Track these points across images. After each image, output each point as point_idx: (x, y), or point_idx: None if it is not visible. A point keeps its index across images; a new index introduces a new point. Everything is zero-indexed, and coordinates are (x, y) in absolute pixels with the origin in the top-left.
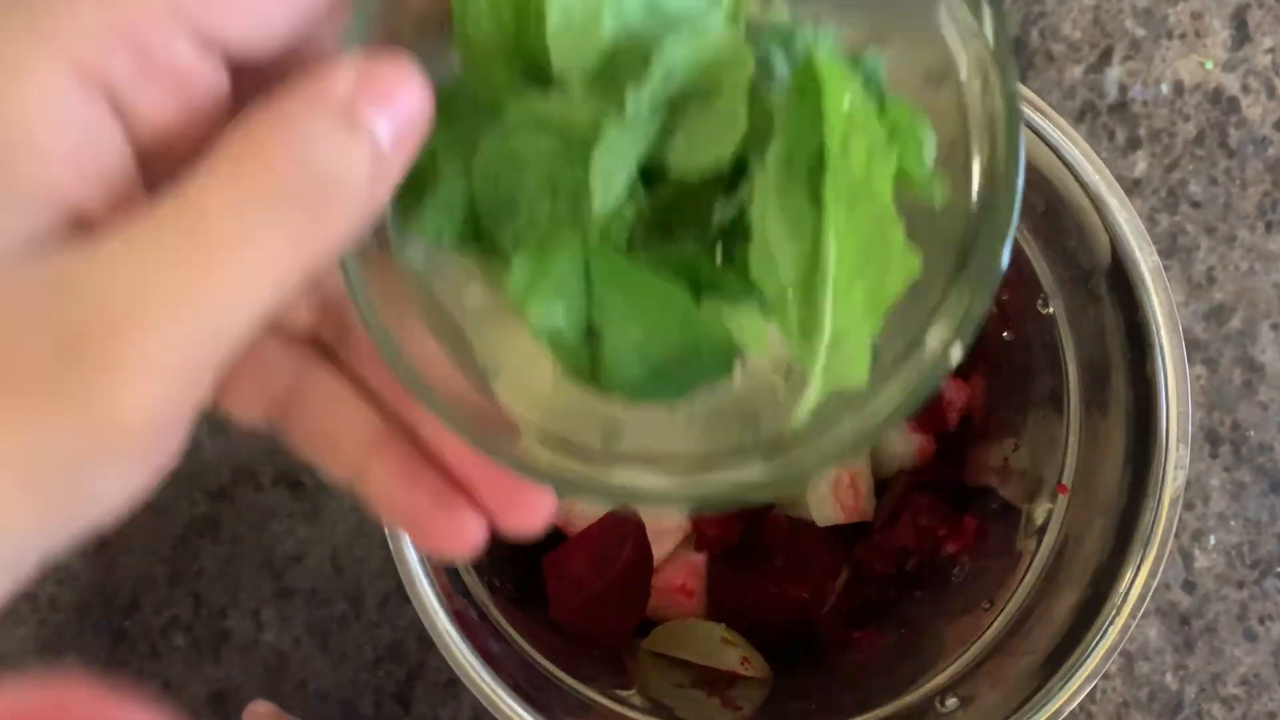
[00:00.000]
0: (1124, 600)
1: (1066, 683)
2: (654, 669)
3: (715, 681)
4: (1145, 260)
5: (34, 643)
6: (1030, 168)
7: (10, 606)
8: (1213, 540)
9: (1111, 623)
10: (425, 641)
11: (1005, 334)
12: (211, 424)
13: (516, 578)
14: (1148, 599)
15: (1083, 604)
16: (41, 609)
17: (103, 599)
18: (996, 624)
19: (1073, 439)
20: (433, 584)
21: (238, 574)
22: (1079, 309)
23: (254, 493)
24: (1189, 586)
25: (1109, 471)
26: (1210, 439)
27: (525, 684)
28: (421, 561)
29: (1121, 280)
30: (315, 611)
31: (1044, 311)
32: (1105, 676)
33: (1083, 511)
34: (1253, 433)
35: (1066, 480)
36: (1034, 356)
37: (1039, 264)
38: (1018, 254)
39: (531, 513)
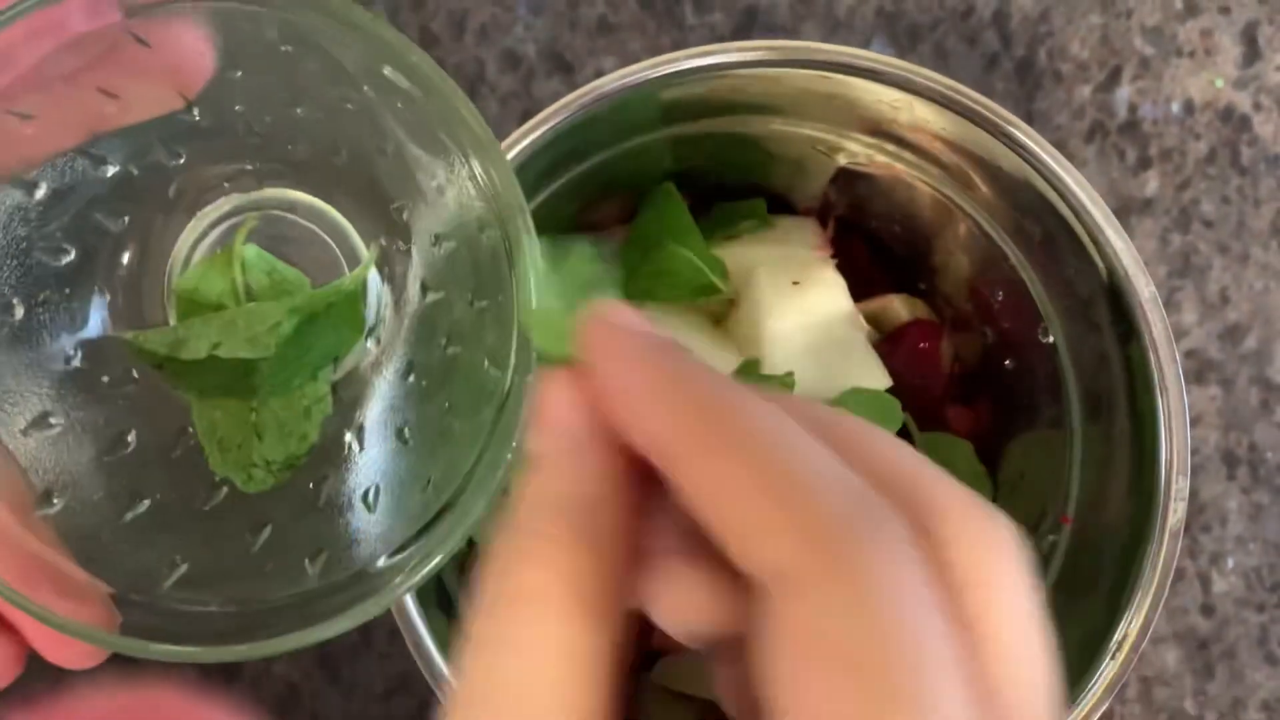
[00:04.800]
0: (1125, 636)
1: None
2: (661, 705)
3: (724, 717)
4: (1143, 290)
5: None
6: (1025, 196)
7: None
8: (1231, 563)
9: (1113, 657)
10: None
11: (1007, 363)
12: None
13: None
14: (1149, 633)
15: (1085, 639)
16: None
17: None
18: None
19: (1075, 470)
20: (428, 626)
21: None
22: (1079, 338)
23: None
24: (1207, 610)
25: (1112, 503)
26: (1227, 460)
27: None
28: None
29: (1120, 310)
30: (325, 643)
31: (1045, 341)
32: (1123, 702)
33: (1086, 543)
34: (1270, 454)
35: (1070, 511)
36: (1036, 385)
37: (1038, 292)
38: (1017, 282)
39: (80, 656)
